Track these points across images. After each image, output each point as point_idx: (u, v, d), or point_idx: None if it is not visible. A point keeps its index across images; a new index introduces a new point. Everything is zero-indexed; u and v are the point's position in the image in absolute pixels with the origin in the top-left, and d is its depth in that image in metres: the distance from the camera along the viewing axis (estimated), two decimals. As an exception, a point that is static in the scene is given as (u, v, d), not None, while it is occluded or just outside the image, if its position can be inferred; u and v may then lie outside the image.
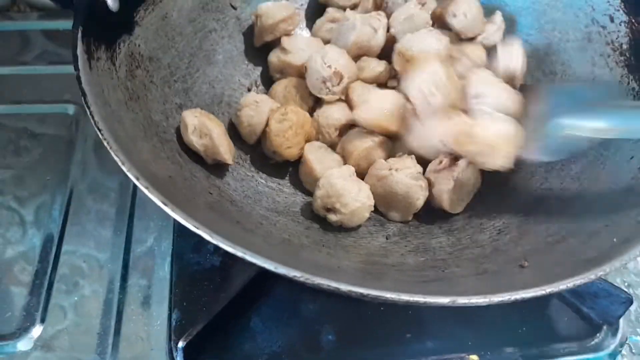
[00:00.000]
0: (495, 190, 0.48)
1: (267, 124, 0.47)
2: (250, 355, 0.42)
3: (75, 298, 0.46)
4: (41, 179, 0.54)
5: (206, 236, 0.31)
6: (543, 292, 0.30)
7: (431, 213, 0.47)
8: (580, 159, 0.47)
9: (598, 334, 0.46)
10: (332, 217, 0.44)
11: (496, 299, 0.30)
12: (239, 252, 0.30)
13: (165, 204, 0.31)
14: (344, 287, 0.30)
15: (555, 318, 0.47)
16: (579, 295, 0.47)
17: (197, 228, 0.31)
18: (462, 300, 0.30)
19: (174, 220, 0.48)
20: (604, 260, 0.33)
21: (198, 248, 0.48)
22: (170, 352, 0.43)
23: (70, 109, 0.60)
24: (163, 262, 0.48)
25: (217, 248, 0.47)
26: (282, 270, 0.30)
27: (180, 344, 0.39)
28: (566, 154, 0.45)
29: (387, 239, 0.45)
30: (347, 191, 0.42)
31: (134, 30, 0.45)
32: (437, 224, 0.47)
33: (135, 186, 0.49)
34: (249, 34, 0.55)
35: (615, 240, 0.36)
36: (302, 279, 0.30)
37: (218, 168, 0.46)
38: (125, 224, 0.50)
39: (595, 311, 0.46)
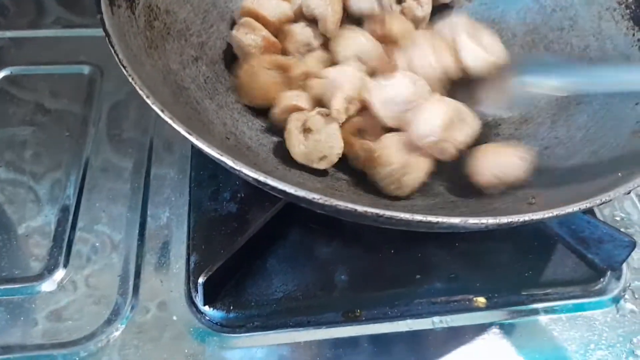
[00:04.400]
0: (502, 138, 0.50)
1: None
2: (267, 293, 0.44)
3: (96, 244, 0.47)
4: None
5: (229, 162, 0.32)
6: (551, 215, 0.32)
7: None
8: (586, 108, 0.48)
9: (602, 279, 0.47)
10: None
11: (505, 219, 0.31)
12: (261, 177, 0.32)
13: (190, 133, 0.33)
14: (360, 209, 0.31)
15: (560, 263, 0.48)
16: (583, 241, 0.48)
17: (221, 155, 0.32)
18: (473, 221, 0.31)
19: (191, 167, 0.51)
20: (609, 188, 0.34)
21: (215, 196, 0.49)
22: (189, 293, 0.44)
23: (85, 69, 0.62)
24: (181, 210, 0.49)
25: (233, 195, 0.49)
26: (301, 193, 0.31)
27: (200, 280, 0.41)
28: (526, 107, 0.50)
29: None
30: None
31: (151, -18, 0.46)
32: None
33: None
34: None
35: (620, 174, 0.37)
36: (320, 201, 0.31)
37: (233, 118, 0.48)
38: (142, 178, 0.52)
39: (600, 256, 0.48)
